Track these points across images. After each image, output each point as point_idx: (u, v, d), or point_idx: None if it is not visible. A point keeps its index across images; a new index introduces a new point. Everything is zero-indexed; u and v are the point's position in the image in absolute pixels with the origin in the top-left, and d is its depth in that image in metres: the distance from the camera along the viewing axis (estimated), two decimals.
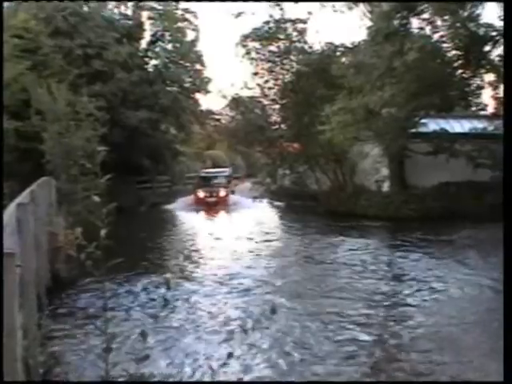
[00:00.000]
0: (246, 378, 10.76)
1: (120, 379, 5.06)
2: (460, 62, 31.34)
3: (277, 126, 46.27)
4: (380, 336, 13.80)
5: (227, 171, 55.67)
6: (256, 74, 43.96)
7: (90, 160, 4.81)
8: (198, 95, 55.43)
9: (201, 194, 47.33)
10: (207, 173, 54.38)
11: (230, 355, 5.59)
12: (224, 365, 5.77)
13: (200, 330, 14.02)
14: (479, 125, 35.71)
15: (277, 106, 45.65)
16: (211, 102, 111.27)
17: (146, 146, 46.32)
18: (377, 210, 34.19)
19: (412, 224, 30.91)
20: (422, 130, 34.22)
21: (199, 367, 11.33)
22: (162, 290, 4.42)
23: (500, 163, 28.05)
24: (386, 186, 36.92)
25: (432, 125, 35.67)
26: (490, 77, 33.61)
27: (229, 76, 71.94)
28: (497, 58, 32.06)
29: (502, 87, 33.82)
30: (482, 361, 11.79)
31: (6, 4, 34.34)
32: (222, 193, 47.50)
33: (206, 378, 10.40)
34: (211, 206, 45.60)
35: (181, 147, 56.01)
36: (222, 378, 8.05)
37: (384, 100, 27.20)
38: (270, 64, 43.38)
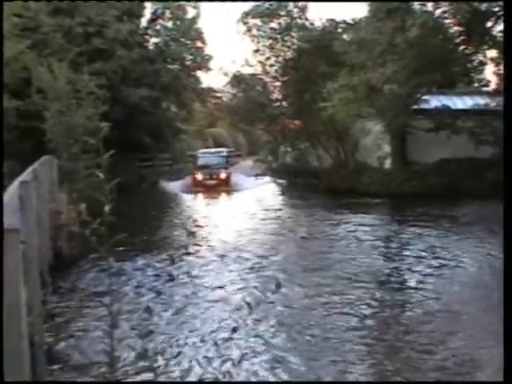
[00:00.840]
0: None
1: (125, 354, 5.07)
2: (462, 38, 31.23)
3: (278, 104, 46.20)
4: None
5: (225, 151, 53.13)
6: (257, 51, 43.83)
7: (92, 136, 4.78)
8: (199, 73, 55.26)
9: (199, 176, 45.58)
10: (204, 153, 52.04)
11: None
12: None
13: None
14: (481, 101, 35.60)
15: (278, 84, 45.59)
16: (212, 79, 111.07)
17: (147, 124, 46.23)
18: (378, 187, 34.21)
19: (413, 200, 30.99)
20: (424, 106, 34.17)
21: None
22: (167, 266, 4.43)
23: (502, 140, 28.07)
24: (387, 163, 36.89)
25: (434, 101, 35.60)
26: (492, 53, 33.49)
27: (230, 53, 72.01)
28: (499, 34, 31.91)
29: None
30: None
31: None
32: (223, 175, 45.80)
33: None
34: (211, 188, 43.86)
35: (182, 125, 55.85)
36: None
37: (386, 76, 27.13)
38: (271, 41, 43.22)
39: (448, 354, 11.26)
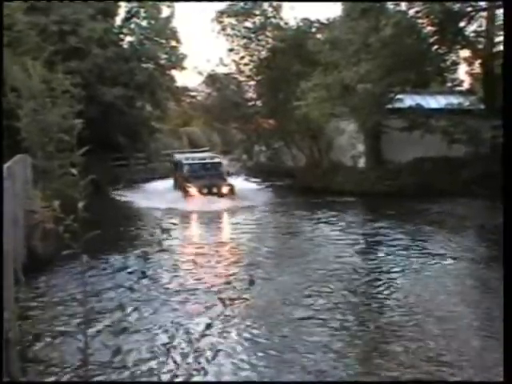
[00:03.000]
0: None
1: (97, 352, 5.11)
2: (435, 37, 31.43)
3: (252, 103, 46.26)
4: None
5: (216, 158, 41.20)
6: (232, 50, 43.84)
7: (67, 135, 4.80)
8: (173, 72, 55.26)
9: (192, 190, 35.35)
10: (191, 159, 39.99)
11: None
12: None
13: None
14: (455, 100, 35.88)
15: (252, 83, 45.60)
16: (187, 78, 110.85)
17: (122, 123, 46.10)
18: (353, 186, 34.39)
19: (386, 199, 31.20)
20: (398, 105, 34.37)
21: None
22: (140, 263, 4.41)
23: (474, 139, 28.45)
24: (361, 162, 37.08)
25: (408, 100, 35.82)
26: (465, 53, 33.75)
27: (204, 52, 71.87)
28: (472, 34, 32.21)
29: (477, 63, 34.03)
30: None
31: None
32: (225, 188, 35.68)
33: None
34: (213, 206, 33.37)
35: (157, 124, 55.70)
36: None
37: (360, 75, 27.27)
38: (245, 40, 43.25)
39: None
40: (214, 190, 35.35)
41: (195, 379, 4.98)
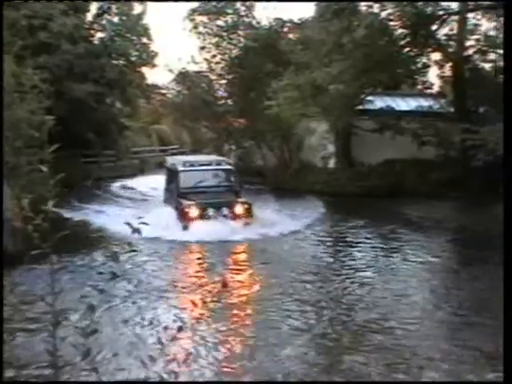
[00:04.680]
0: None
1: (68, 353, 5.00)
2: (407, 40, 31.49)
3: (223, 101, 46.20)
4: None
5: (223, 162, 29.68)
6: (203, 48, 43.70)
7: (36, 130, 4.68)
8: (144, 69, 54.97)
9: (193, 210, 25.09)
10: (188, 165, 28.12)
11: None
12: None
13: None
14: (425, 103, 36.02)
15: (224, 81, 45.49)
16: (157, 76, 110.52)
17: (92, 120, 45.64)
18: (323, 187, 34.44)
19: (355, 200, 31.30)
20: (369, 107, 34.46)
21: None
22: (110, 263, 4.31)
23: (444, 141, 28.62)
24: (332, 163, 37.13)
25: (378, 102, 35.94)
26: (436, 56, 33.87)
27: (176, 50, 71.64)
28: (443, 37, 32.33)
29: (447, 66, 34.17)
30: None
31: None
32: (238, 207, 25.55)
33: None
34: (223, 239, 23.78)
35: (126, 121, 55.32)
36: None
37: (332, 76, 27.26)
38: (217, 39, 43.12)
39: None
40: (225, 212, 25.19)
41: None
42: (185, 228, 24.64)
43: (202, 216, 25.04)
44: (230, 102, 46.00)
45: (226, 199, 26.18)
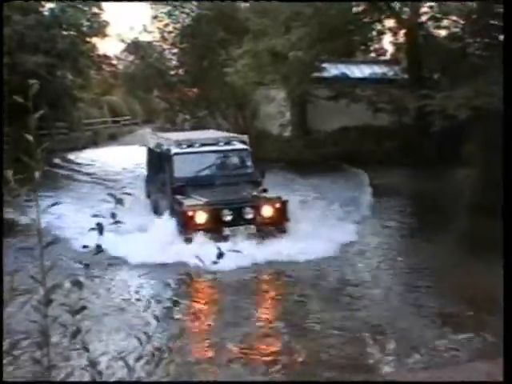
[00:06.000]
0: None
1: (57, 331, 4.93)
2: (363, 7, 31.42)
3: (176, 71, 45.94)
4: None
5: (236, 139, 21.66)
6: (155, 17, 43.37)
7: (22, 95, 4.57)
8: (95, 39, 54.22)
9: (200, 215, 17.66)
10: (185, 145, 20.10)
11: None
12: None
13: None
14: (379, 70, 36.10)
15: (176, 51, 45.20)
16: (109, 46, 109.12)
17: (44, 92, 44.85)
18: (279, 154, 34.44)
19: (312, 167, 31.41)
20: (324, 74, 34.42)
21: None
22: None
23: (399, 108, 28.78)
24: (288, 131, 37.17)
25: (333, 70, 35.94)
26: (390, 23, 33.91)
27: (128, 20, 70.70)
28: (398, 5, 32.36)
29: (401, 33, 34.25)
30: None
31: None
32: (267, 209, 18.11)
33: None
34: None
35: (79, 93, 54.63)
36: None
37: (291, 43, 27.16)
38: (169, 7, 42.78)
39: None
40: (249, 215, 17.87)
41: None
42: (187, 241, 17.20)
43: (216, 222, 17.63)
44: (183, 71, 45.70)
45: (247, 195, 18.58)
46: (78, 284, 4.53)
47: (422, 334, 11.94)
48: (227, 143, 20.66)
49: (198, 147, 20.06)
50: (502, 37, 23.16)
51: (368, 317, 12.78)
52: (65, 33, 49.36)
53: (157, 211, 20.62)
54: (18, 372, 6.80)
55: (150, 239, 17.29)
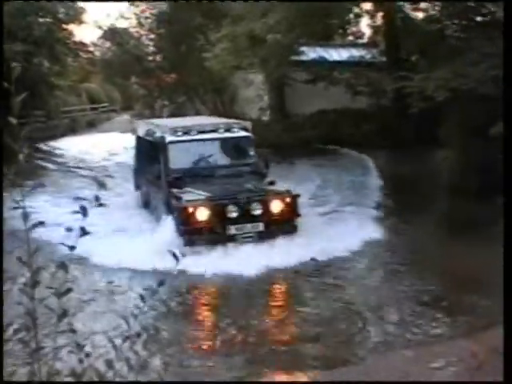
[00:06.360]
0: None
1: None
2: None
3: (154, 57, 45.84)
4: None
5: (234, 124, 19.29)
6: (132, 3, 43.19)
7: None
8: (72, 26, 53.85)
9: (203, 212, 15.72)
10: (188, 131, 18.30)
11: None
12: None
13: None
14: (357, 53, 36.15)
15: (153, 36, 45.07)
16: (85, 33, 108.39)
17: (21, 80, 44.72)
18: (257, 138, 34.36)
19: (291, 150, 31.47)
20: (302, 58, 34.42)
21: None
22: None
23: (376, 91, 28.93)
24: (267, 115, 37.17)
25: (311, 53, 35.95)
26: (367, 5, 33.92)
27: (104, 6, 70.15)
28: None
29: (379, 15, 34.28)
30: None
31: None
32: (276, 203, 16.23)
33: None
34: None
35: (56, 80, 54.29)
36: None
37: (269, 26, 27.08)
38: None
39: None
40: (257, 211, 16.00)
41: None
42: (188, 243, 15.29)
43: (220, 219, 15.80)
44: (159, 57, 45.61)
45: (253, 188, 16.70)
46: (63, 267, 4.55)
47: (401, 312, 12.18)
48: (228, 130, 18.65)
49: (196, 134, 18.24)
50: (478, 18, 23.36)
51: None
52: (41, 20, 49.07)
53: (147, 206, 19.67)
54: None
55: (149, 240, 15.69)
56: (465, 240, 15.70)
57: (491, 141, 18.47)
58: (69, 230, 4.46)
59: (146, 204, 19.79)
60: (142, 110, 47.60)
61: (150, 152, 19.47)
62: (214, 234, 15.65)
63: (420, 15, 30.04)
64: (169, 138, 17.82)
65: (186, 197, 16.03)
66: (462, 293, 12.94)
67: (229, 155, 18.59)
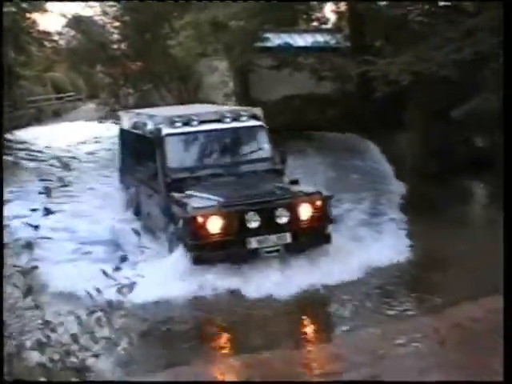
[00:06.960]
0: None
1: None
2: None
3: (119, 45, 45.66)
4: None
5: (242, 111, 16.52)
6: None
7: None
8: (35, 15, 53.45)
9: (215, 222, 12.68)
10: (188, 122, 15.30)
11: None
12: None
13: None
14: (321, 39, 36.23)
15: (118, 24, 44.85)
16: (49, 21, 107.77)
17: None
18: None
19: None
20: (267, 44, 34.47)
21: None
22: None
23: (341, 76, 29.07)
24: (232, 101, 37.18)
25: (276, 39, 35.98)
26: None
27: None
28: None
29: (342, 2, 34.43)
30: None
31: None
32: (305, 209, 13.33)
33: None
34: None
35: (21, 70, 53.85)
36: None
37: (232, 13, 27.12)
38: None
39: None
40: (283, 218, 13.24)
41: None
42: (197, 260, 12.82)
43: (238, 230, 13.09)
44: (124, 45, 45.43)
45: (275, 190, 13.83)
46: (28, 246, 4.68)
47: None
48: (235, 119, 15.76)
49: (198, 125, 15.31)
50: (442, 3, 23.62)
51: None
52: (5, 9, 48.62)
53: (138, 212, 16.80)
54: None
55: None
56: (424, 221, 16.05)
57: (452, 124, 18.80)
58: (33, 210, 4.58)
59: (137, 211, 16.96)
60: (108, 98, 47.29)
61: (139, 148, 16.85)
62: (230, 249, 12.93)
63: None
64: (165, 131, 14.98)
65: (191, 203, 13.06)
66: (423, 272, 13.23)
67: (239, 150, 15.90)
